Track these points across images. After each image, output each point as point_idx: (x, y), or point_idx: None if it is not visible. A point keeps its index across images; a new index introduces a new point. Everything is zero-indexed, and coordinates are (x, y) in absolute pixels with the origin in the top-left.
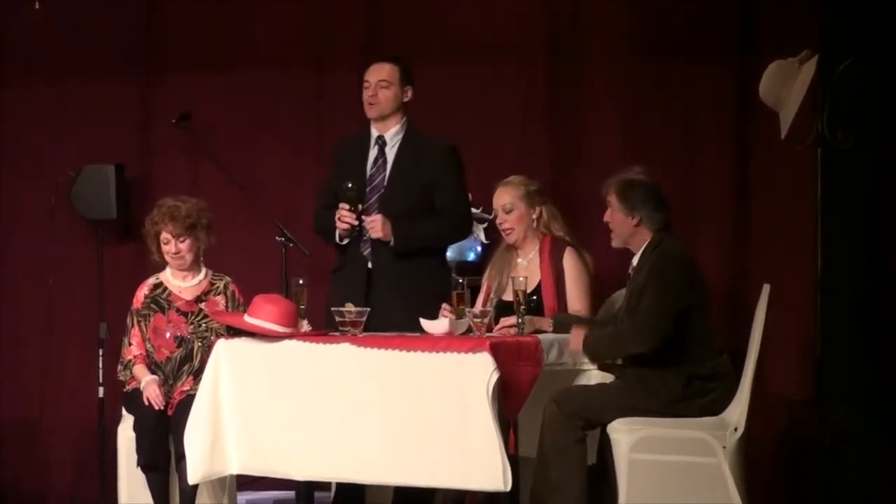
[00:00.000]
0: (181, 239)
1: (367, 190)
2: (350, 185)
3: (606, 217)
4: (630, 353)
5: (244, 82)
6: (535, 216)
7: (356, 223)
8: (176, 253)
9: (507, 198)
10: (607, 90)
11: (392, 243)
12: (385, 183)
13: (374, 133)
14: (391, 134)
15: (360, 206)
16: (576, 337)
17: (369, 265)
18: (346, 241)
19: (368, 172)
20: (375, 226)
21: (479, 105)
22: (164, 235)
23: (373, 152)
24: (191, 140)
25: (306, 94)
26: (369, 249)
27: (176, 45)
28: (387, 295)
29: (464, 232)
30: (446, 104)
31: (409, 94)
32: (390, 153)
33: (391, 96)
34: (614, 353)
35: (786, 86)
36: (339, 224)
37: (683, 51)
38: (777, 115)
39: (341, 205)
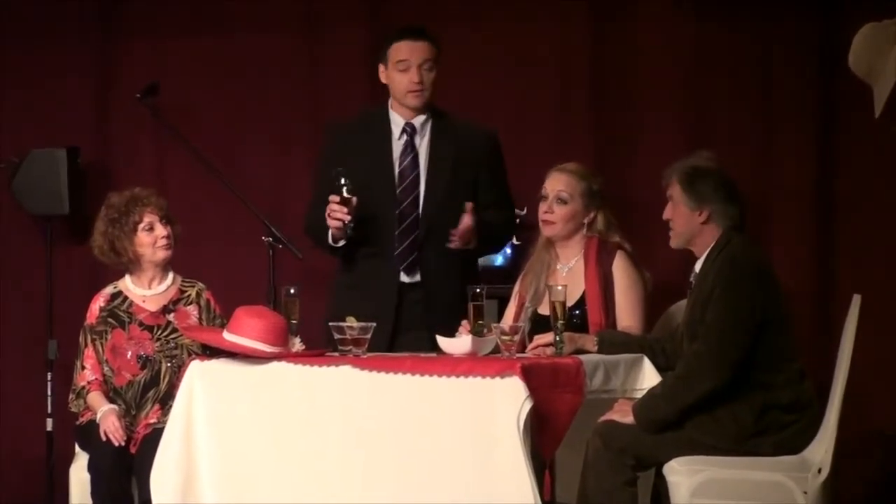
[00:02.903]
0: (165, 223)
1: (399, 190)
2: (339, 171)
3: (667, 213)
4: (697, 396)
5: (223, 50)
6: (587, 220)
7: (348, 219)
8: (167, 236)
9: (566, 187)
10: (663, 56)
11: (470, 245)
12: (420, 181)
13: (398, 119)
14: (420, 120)
15: (353, 199)
16: (622, 411)
17: (402, 278)
18: (341, 244)
19: (397, 168)
20: (466, 235)
21: (508, 76)
22: (148, 219)
23: (399, 143)
24: (158, 119)
25: (298, 63)
26: (413, 256)
27: (140, 6)
28: (431, 314)
29: (514, 230)
30: (467, 75)
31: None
32: (421, 143)
33: (434, 80)
34: (678, 405)
35: (881, 53)
36: (329, 221)
37: (756, 9)
38: (871, 90)
39: (331, 197)
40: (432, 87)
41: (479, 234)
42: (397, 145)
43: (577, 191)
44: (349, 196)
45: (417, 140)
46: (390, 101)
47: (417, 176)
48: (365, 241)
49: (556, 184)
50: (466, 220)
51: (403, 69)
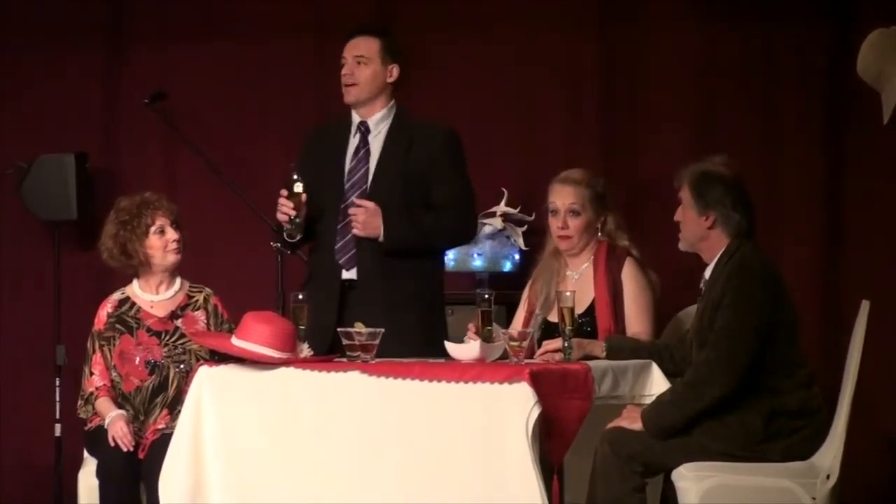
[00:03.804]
0: (175, 227)
1: (347, 186)
2: (292, 167)
3: (677, 216)
4: (706, 403)
5: (231, 54)
6: (598, 225)
7: (293, 213)
8: (177, 240)
9: (576, 199)
10: (671, 62)
11: (381, 238)
12: (369, 177)
13: (356, 118)
14: (375, 119)
15: (301, 195)
16: (630, 417)
17: (343, 274)
18: (296, 238)
19: (348, 165)
20: (358, 216)
21: (515, 82)
22: (160, 222)
23: (353, 141)
24: (166, 125)
25: (305, 68)
26: (351, 252)
27: (148, 11)
28: (371, 314)
29: (468, 231)
30: (474, 82)
31: (396, 72)
32: (374, 142)
33: (370, 75)
34: (687, 412)
35: (889, 59)
36: (278, 215)
37: (764, 13)
38: (879, 96)
39: (281, 191)
40: (368, 83)
41: (405, 234)
42: (352, 143)
43: (586, 199)
44: (297, 192)
45: (371, 138)
46: None
47: (366, 172)
48: (315, 236)
49: (566, 197)
50: (369, 207)
51: (342, 64)
